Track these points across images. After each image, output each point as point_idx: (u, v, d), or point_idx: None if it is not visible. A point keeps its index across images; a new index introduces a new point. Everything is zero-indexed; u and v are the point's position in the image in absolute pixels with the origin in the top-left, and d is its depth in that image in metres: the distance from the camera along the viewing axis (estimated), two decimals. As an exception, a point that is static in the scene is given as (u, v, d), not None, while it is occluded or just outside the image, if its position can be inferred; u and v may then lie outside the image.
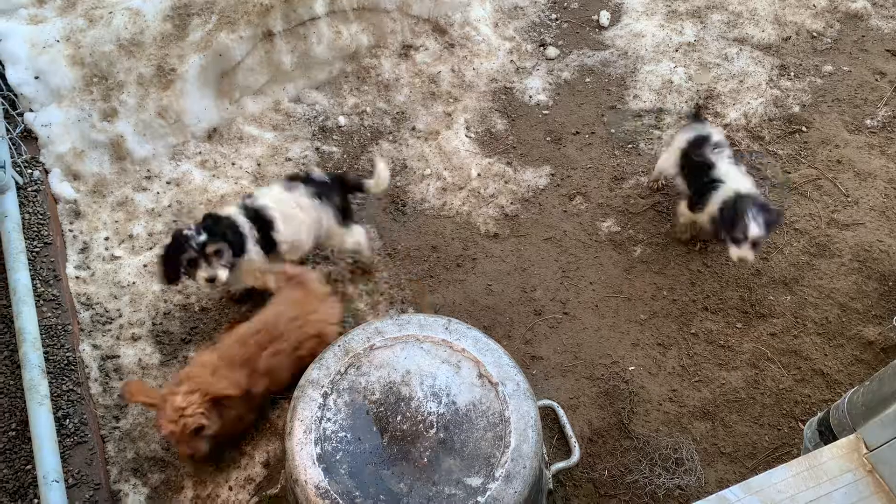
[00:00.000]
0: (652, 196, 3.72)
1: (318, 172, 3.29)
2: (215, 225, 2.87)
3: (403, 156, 3.88)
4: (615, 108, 4.12)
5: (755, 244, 3.07)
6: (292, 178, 3.19)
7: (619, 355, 3.20)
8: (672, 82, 4.21)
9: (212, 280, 2.84)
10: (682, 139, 3.45)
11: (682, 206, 3.41)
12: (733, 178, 3.19)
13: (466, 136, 3.92)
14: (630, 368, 3.16)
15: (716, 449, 2.97)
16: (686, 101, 4.12)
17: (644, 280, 3.44)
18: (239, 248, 2.91)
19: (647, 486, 2.84)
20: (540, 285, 3.42)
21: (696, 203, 3.27)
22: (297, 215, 3.09)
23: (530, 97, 4.14)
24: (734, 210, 3.05)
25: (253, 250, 2.98)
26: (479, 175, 3.78)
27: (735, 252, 3.09)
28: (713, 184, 3.19)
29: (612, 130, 4.01)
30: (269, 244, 3.05)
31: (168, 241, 2.90)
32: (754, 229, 3.01)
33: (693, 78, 4.20)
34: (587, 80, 4.25)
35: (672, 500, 2.83)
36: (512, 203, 3.69)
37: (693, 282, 3.44)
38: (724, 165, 3.25)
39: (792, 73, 4.23)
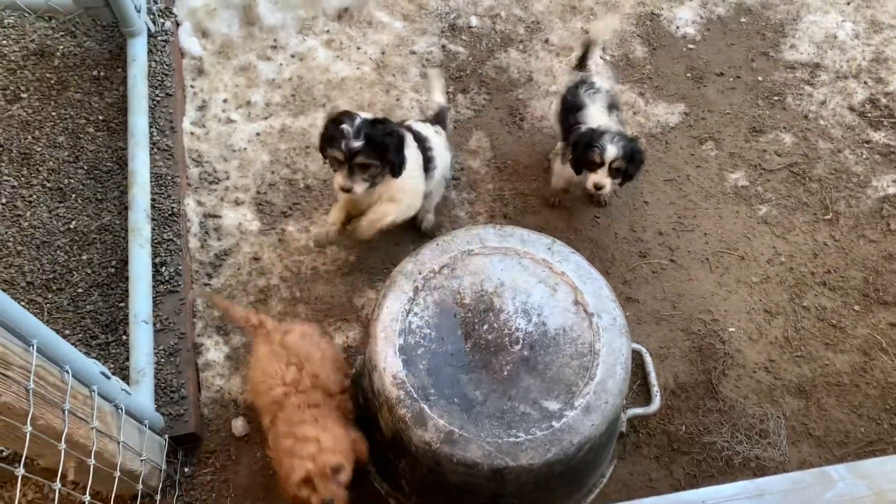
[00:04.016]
0: (790, 155, 3.44)
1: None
2: (381, 134, 2.55)
3: (531, 68, 3.70)
4: (767, 55, 3.79)
5: (617, 171, 2.82)
6: (427, 120, 3.07)
7: (721, 314, 3.03)
8: (836, 37, 3.83)
9: (347, 190, 2.59)
10: (562, 84, 3.19)
11: (557, 164, 3.13)
12: (596, 119, 2.92)
13: (601, 57, 3.69)
14: (730, 329, 2.99)
15: (805, 429, 2.80)
16: (848, 61, 3.75)
17: (763, 241, 3.21)
18: (396, 169, 2.63)
19: (724, 450, 2.71)
20: (650, 227, 3.25)
21: (566, 152, 3.00)
22: (443, 154, 2.97)
23: (677, 28, 3.86)
24: (588, 136, 2.82)
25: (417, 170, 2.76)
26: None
27: (592, 179, 2.84)
28: (577, 127, 2.93)
29: (760, 78, 3.70)
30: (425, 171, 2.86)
31: (328, 118, 2.64)
32: (611, 150, 2.76)
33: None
34: (742, 19, 3.91)
35: (747, 470, 2.70)
36: (636, 134, 3.48)
37: (816, 253, 3.19)
38: (595, 109, 2.96)
39: (977, 49, 3.79)
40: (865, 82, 3.68)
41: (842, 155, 3.46)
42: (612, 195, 3.30)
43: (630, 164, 2.83)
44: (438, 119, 3.17)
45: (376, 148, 2.52)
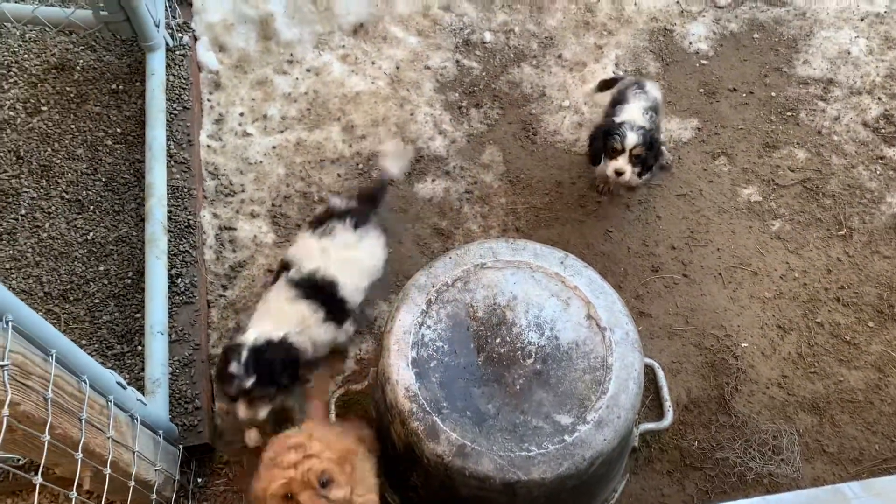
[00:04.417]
0: (804, 171, 3.44)
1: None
2: (271, 362, 2.42)
3: (544, 83, 3.73)
4: (780, 70, 3.80)
5: (637, 158, 2.92)
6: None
7: (734, 329, 3.02)
8: (849, 53, 3.83)
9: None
10: (616, 88, 3.31)
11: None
12: (630, 114, 3.03)
13: (614, 72, 3.71)
14: (743, 345, 2.98)
15: (818, 446, 2.78)
16: (861, 77, 3.75)
17: (776, 257, 3.21)
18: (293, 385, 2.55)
19: (736, 466, 2.70)
20: (663, 241, 3.25)
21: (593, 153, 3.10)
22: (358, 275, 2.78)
23: (690, 44, 3.87)
24: (608, 126, 2.97)
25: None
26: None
27: (612, 165, 2.94)
28: (612, 119, 3.06)
29: (773, 94, 3.70)
30: None
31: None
32: (631, 137, 2.88)
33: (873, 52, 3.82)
34: (755, 35, 3.93)
35: (760, 487, 2.68)
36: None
37: (830, 269, 3.18)
38: (633, 106, 3.07)
39: None
40: (879, 98, 3.68)
41: (855, 171, 3.45)
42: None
43: (649, 153, 2.92)
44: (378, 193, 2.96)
45: (269, 378, 2.39)
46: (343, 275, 2.65)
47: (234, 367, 2.35)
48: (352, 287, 2.68)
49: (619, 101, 3.17)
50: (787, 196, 3.38)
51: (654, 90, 3.23)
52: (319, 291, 2.59)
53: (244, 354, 2.36)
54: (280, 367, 2.42)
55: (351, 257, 2.70)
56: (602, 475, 2.28)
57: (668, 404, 2.76)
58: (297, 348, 2.49)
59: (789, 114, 3.64)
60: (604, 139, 2.97)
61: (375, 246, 2.80)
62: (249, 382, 2.34)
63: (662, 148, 2.99)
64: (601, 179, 3.30)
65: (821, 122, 3.59)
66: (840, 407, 2.86)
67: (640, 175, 3.02)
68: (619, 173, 2.95)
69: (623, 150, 2.91)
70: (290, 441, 1.95)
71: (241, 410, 2.41)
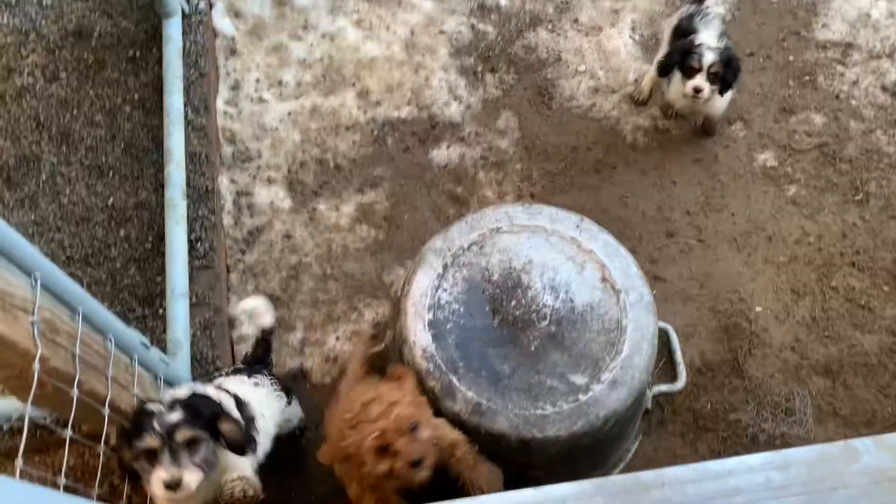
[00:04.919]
0: (821, 135, 3.42)
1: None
2: (201, 402, 1.92)
3: (560, 47, 3.71)
4: (799, 34, 3.76)
5: (715, 76, 2.97)
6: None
7: (748, 293, 3.03)
8: (870, 16, 3.78)
9: (175, 486, 1.78)
10: (676, 16, 3.31)
11: (676, 79, 3.19)
12: (707, 42, 3.05)
13: (630, 37, 3.69)
14: (757, 309, 2.99)
15: (831, 408, 2.81)
16: (881, 40, 3.70)
17: (791, 222, 3.21)
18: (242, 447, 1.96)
19: (749, 427, 2.73)
20: (678, 207, 3.25)
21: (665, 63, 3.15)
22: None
23: (708, 7, 3.82)
24: (685, 45, 3.03)
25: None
26: (636, 81, 3.57)
27: (690, 84, 2.99)
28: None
29: (791, 58, 3.67)
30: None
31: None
32: (709, 56, 2.95)
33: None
34: (774, -1, 3.88)
35: (772, 448, 2.66)
36: (666, 117, 3.48)
37: (845, 234, 3.18)
38: (707, 34, 3.09)
39: None
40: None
41: (873, 135, 3.43)
42: (720, 124, 3.43)
43: (727, 70, 2.98)
44: (264, 351, 2.50)
45: (200, 416, 1.86)
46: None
47: (151, 406, 1.85)
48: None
49: (688, 31, 3.15)
50: (803, 161, 3.37)
51: (718, 9, 3.29)
52: None
53: (166, 397, 1.91)
54: (211, 405, 1.94)
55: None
56: (615, 434, 2.32)
57: (681, 367, 2.79)
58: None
59: (807, 78, 3.60)
60: (681, 57, 3.02)
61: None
62: (176, 416, 1.81)
63: (739, 65, 3.05)
64: (670, 102, 3.36)
65: (839, 87, 3.56)
66: (853, 370, 2.88)
67: (720, 92, 3.06)
68: (697, 91, 3.00)
69: (701, 69, 2.97)
70: (365, 397, 1.94)
71: (160, 473, 1.78)
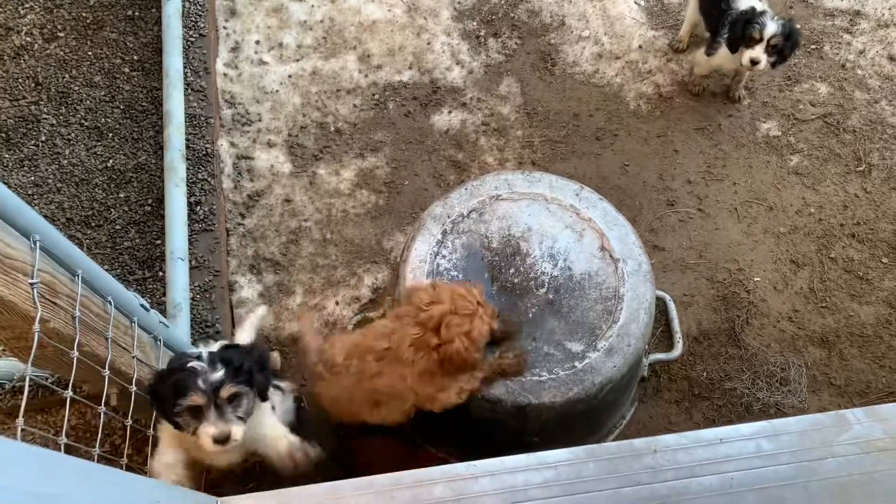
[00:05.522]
0: (825, 105, 3.39)
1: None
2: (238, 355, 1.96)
3: (564, 12, 3.66)
4: (806, 1, 3.71)
5: (773, 48, 2.95)
6: None
7: (747, 263, 3.04)
8: (880, -16, 3.73)
9: (223, 441, 1.86)
10: None
11: (699, 54, 3.24)
12: (750, 1, 3.04)
13: (635, 2, 3.65)
14: (755, 279, 3.00)
15: (826, 378, 2.83)
16: (890, 8, 3.65)
17: (793, 192, 3.20)
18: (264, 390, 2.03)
19: (744, 396, 2.75)
20: (679, 176, 3.24)
21: (714, 41, 3.15)
22: None
23: (715, -27, 3.77)
24: (748, 14, 2.98)
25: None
26: (640, 47, 3.54)
27: (749, 54, 2.98)
28: (729, 11, 3.05)
29: (798, 26, 3.62)
30: None
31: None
32: (771, 27, 2.92)
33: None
34: (783, -36, 3.82)
35: (766, 416, 2.74)
36: (670, 84, 3.45)
37: (846, 205, 3.17)
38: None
39: None
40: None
41: (878, 106, 3.40)
42: (748, 92, 3.45)
43: (787, 43, 2.96)
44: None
45: (240, 370, 1.91)
46: None
47: (192, 363, 1.87)
48: None
49: None
50: (806, 131, 3.35)
51: None
52: None
53: (203, 353, 1.94)
54: (248, 358, 1.98)
55: None
56: (611, 401, 2.34)
57: (678, 336, 2.80)
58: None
59: (813, 47, 3.56)
60: (743, 27, 2.98)
61: None
62: (219, 374, 1.86)
63: (799, 39, 3.03)
64: (698, 78, 3.37)
65: (845, 56, 3.52)
66: (849, 341, 2.90)
67: (773, 66, 3.05)
68: (754, 62, 2.99)
69: (761, 40, 2.95)
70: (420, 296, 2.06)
71: (209, 428, 1.86)
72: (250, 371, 1.93)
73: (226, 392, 1.86)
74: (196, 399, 1.83)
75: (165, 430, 2.07)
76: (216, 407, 1.85)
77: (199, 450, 1.94)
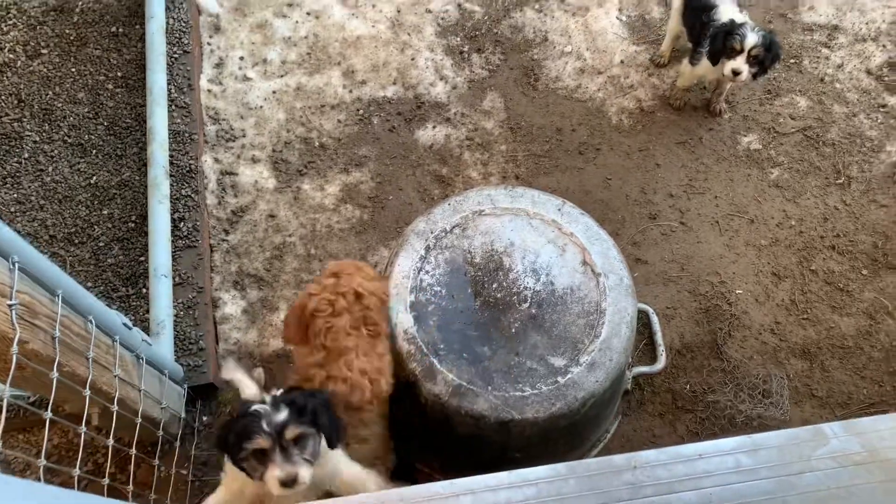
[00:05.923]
0: (805, 119, 3.43)
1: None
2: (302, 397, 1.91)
3: (546, 28, 3.70)
4: (785, 16, 3.76)
5: (755, 59, 2.98)
6: None
7: (729, 276, 3.06)
8: (856, -1, 3.79)
9: (291, 483, 1.81)
10: None
11: (683, 64, 3.29)
12: (729, 14, 3.07)
13: (617, 17, 3.69)
14: (737, 291, 3.03)
15: (808, 390, 2.85)
16: (867, 23, 3.71)
17: (774, 205, 3.23)
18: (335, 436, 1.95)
19: (727, 408, 2.77)
20: (661, 189, 3.27)
21: (696, 51, 3.18)
22: None
23: (695, -12, 3.82)
24: (728, 26, 3.00)
25: None
26: (622, 62, 3.57)
27: (730, 65, 3.00)
28: (711, 23, 3.08)
29: (778, 38, 3.66)
30: None
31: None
32: (751, 38, 2.94)
33: (883, -2, 3.76)
34: (762, -20, 3.87)
35: (749, 429, 2.76)
36: (652, 98, 3.48)
37: (826, 217, 3.21)
38: (726, 6, 3.10)
39: None
40: (884, 45, 3.64)
41: (856, 119, 3.45)
42: (729, 106, 3.48)
43: (767, 54, 2.98)
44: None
45: (304, 411, 1.87)
46: None
47: (255, 407, 1.85)
48: None
49: (704, 5, 3.14)
50: (786, 144, 3.38)
51: None
52: None
53: (266, 397, 1.93)
54: (312, 400, 1.92)
55: None
56: (594, 416, 2.35)
57: (661, 349, 2.82)
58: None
59: (792, 61, 3.61)
60: (724, 39, 3.01)
61: None
62: (283, 415, 1.82)
63: (779, 51, 3.05)
64: (680, 91, 3.41)
65: (824, 70, 3.57)
66: (830, 352, 2.92)
67: (755, 77, 3.07)
68: (735, 73, 3.01)
69: (742, 51, 2.97)
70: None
71: (275, 471, 1.81)
72: (315, 412, 1.88)
73: (290, 433, 1.81)
74: (261, 442, 1.78)
75: (227, 479, 2.05)
76: (282, 449, 1.81)
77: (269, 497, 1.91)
